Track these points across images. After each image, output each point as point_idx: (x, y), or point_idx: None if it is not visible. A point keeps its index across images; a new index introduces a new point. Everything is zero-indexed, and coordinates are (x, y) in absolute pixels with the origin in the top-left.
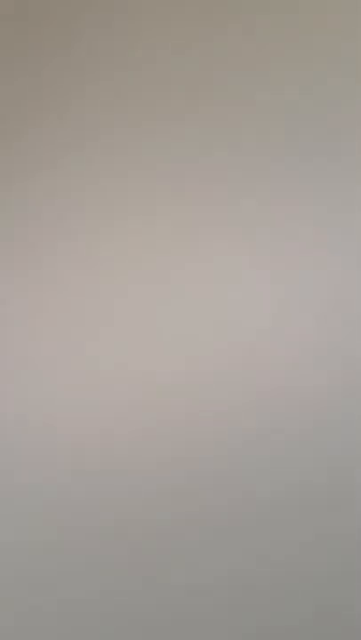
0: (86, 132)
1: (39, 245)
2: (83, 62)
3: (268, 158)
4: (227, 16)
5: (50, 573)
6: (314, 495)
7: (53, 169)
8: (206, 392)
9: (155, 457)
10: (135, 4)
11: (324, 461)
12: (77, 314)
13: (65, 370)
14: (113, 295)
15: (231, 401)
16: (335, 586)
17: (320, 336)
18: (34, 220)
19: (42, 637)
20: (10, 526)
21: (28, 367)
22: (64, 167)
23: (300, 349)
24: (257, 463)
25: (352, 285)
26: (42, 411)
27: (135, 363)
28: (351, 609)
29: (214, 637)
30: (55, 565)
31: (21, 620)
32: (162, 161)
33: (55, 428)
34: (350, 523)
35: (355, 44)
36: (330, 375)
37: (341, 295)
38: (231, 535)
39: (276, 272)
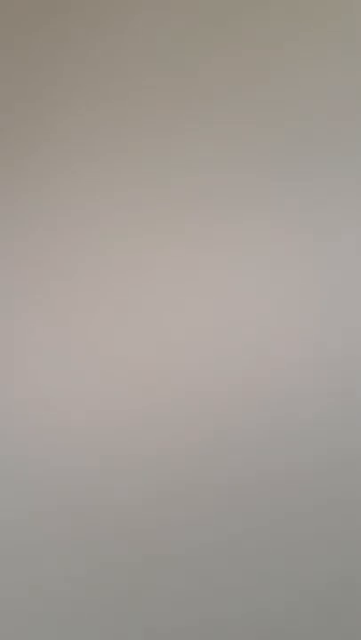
0: (89, 138)
1: (41, 243)
2: (84, 74)
3: (269, 165)
4: (227, 33)
5: (50, 569)
6: (314, 494)
7: (61, 172)
8: (206, 391)
9: (155, 454)
10: (131, 23)
11: (324, 460)
12: (79, 311)
13: (66, 363)
14: (117, 293)
15: (231, 399)
16: (336, 587)
17: (320, 336)
18: (36, 219)
19: (40, 635)
20: (10, 519)
21: (29, 358)
22: (70, 168)
23: (301, 349)
24: (257, 462)
25: (352, 286)
26: (42, 403)
27: (136, 359)
28: (352, 614)
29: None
30: (55, 560)
31: (19, 618)
32: (162, 175)
33: (55, 423)
34: (351, 523)
35: (356, 61)
36: (330, 375)
37: (341, 296)
38: (230, 534)
39: (277, 274)
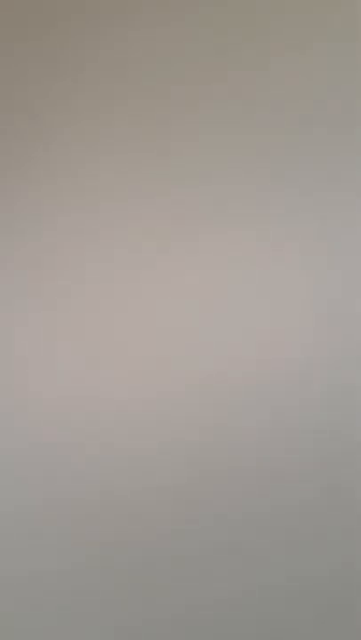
0: (90, 139)
1: (40, 242)
2: (85, 80)
3: (268, 171)
4: (227, 33)
5: (49, 565)
6: (313, 495)
7: (59, 174)
8: (207, 390)
9: (155, 448)
10: (131, 28)
11: (325, 453)
12: (79, 311)
13: (66, 362)
14: (117, 297)
15: (232, 397)
16: (335, 585)
17: (320, 337)
18: (36, 218)
19: (38, 635)
20: (9, 516)
21: (29, 356)
22: (68, 169)
23: (300, 351)
24: (258, 458)
25: (352, 288)
26: (42, 402)
27: (137, 361)
28: (352, 610)
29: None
30: (55, 554)
31: (18, 621)
32: (162, 174)
33: (55, 422)
34: (350, 523)
35: (355, 61)
36: (330, 376)
37: (342, 298)
38: (230, 531)
39: (277, 273)
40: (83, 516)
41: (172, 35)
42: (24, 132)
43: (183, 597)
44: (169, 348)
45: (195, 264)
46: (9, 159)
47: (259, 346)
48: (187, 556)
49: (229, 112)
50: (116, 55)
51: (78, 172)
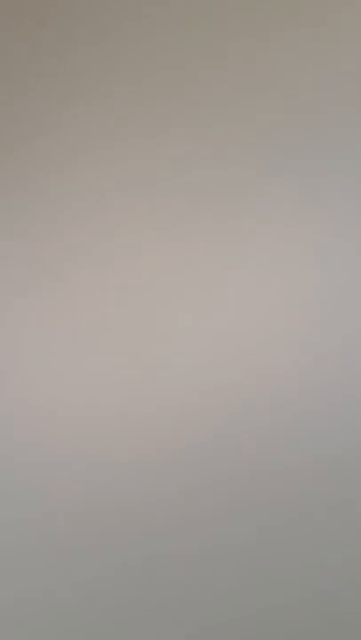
0: (88, 135)
1: (39, 241)
2: (85, 74)
3: (268, 167)
4: (227, 33)
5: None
6: (313, 496)
7: (57, 173)
8: (207, 395)
9: (155, 454)
10: (131, 24)
11: (324, 462)
12: (78, 311)
13: (65, 363)
14: (115, 293)
15: (231, 404)
16: (335, 585)
17: (320, 337)
18: (34, 218)
19: (37, 634)
20: (8, 517)
21: (28, 357)
22: (66, 170)
23: (300, 351)
24: (257, 462)
25: (354, 288)
26: (41, 405)
27: (136, 365)
28: (353, 611)
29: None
30: (54, 551)
31: (16, 616)
32: (161, 174)
33: (54, 420)
34: (350, 523)
35: (355, 61)
36: (330, 376)
37: (343, 298)
38: (230, 532)
39: (277, 271)
40: (83, 517)
41: (172, 34)
42: (24, 131)
43: (183, 597)
44: (169, 348)
45: (195, 264)
46: (9, 159)
47: (259, 346)
48: (187, 556)
49: (229, 112)
50: (115, 55)
51: (78, 171)
